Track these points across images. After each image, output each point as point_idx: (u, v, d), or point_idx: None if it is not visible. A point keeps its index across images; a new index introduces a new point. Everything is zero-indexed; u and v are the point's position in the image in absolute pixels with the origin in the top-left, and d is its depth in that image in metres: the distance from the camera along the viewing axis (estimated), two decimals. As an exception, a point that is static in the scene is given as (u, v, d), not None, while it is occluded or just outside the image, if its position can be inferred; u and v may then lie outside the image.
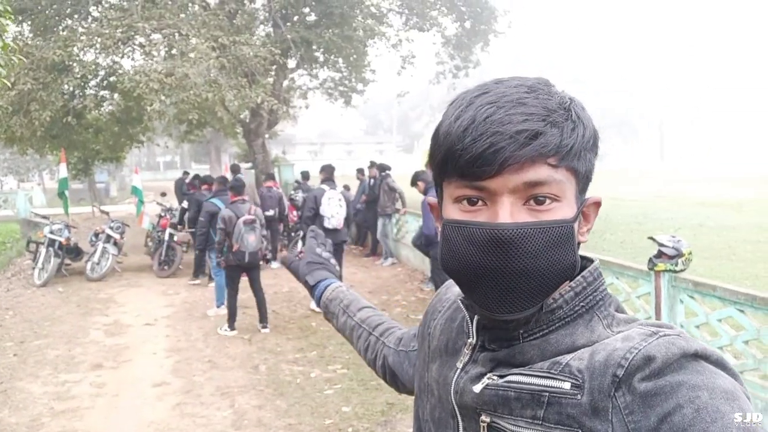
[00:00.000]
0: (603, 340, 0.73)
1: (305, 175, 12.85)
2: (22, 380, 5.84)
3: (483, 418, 0.78)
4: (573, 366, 0.71)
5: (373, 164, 12.43)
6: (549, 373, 0.73)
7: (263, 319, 7.22)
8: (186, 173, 15.79)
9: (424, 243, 8.24)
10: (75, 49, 11.39)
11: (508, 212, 0.72)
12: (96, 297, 9.44)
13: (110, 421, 4.88)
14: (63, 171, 12.45)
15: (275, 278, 10.22)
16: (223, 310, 7.70)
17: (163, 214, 12.07)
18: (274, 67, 13.86)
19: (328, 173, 8.36)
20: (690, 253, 4.53)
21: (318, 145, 64.33)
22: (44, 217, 12.65)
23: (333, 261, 1.44)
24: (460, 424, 0.83)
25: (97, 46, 11.42)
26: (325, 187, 8.07)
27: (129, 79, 11.00)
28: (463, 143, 0.72)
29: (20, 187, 30.84)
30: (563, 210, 0.74)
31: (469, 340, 0.86)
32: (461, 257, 0.75)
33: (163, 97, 11.02)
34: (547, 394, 0.71)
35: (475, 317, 0.85)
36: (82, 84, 12.97)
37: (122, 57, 13.52)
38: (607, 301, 0.81)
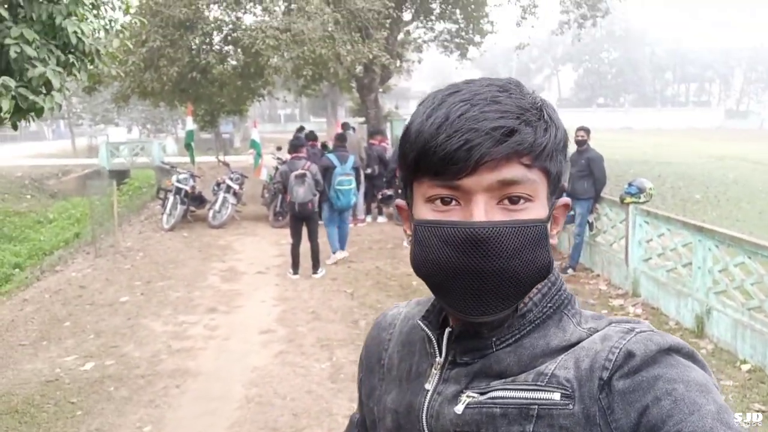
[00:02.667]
0: (581, 343, 0.73)
1: None
2: (146, 318, 6.38)
3: None
4: (560, 376, 0.70)
5: None
6: (536, 385, 0.71)
7: (315, 267, 7.89)
8: (301, 128, 16.21)
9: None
10: (200, 4, 11.90)
11: (483, 211, 0.71)
12: (216, 243, 10.07)
13: (219, 363, 5.22)
14: (189, 123, 13.27)
15: (381, 234, 10.35)
16: (340, 255, 8.57)
17: (278, 167, 12.54)
18: (388, 20, 13.67)
19: None
20: (841, 234, 3.94)
21: (433, 99, 63.46)
22: (172, 166, 13.58)
23: None
24: None
25: (221, 2, 11.86)
26: None
27: (248, 35, 11.34)
28: (436, 141, 0.71)
29: (156, 136, 33.43)
30: (537, 210, 0.73)
31: (437, 360, 0.82)
32: (435, 258, 0.73)
33: (279, 53, 11.27)
34: (536, 407, 0.70)
35: (446, 331, 0.81)
36: (207, 40, 13.56)
37: (244, 13, 13.96)
38: (572, 299, 0.81)
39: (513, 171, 0.70)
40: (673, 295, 6.00)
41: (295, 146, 8.17)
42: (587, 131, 7.58)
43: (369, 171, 10.72)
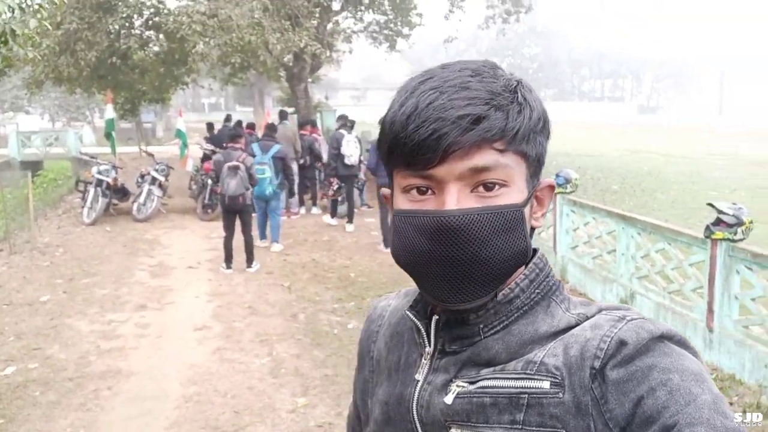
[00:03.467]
0: (571, 331, 0.72)
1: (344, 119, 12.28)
2: (71, 317, 6.05)
3: (453, 431, 0.74)
4: (549, 364, 0.70)
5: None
6: (525, 373, 0.71)
7: (249, 260, 7.71)
8: (229, 117, 15.80)
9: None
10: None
11: (455, 199, 0.71)
12: (142, 237, 9.67)
13: (153, 362, 5.03)
14: (110, 112, 12.60)
15: (316, 226, 10.28)
16: (265, 243, 8.73)
17: (207, 154, 12.16)
18: (317, 9, 13.51)
19: (344, 121, 10.24)
20: (751, 222, 4.27)
21: (361, 90, 63.49)
22: (92, 156, 12.90)
23: None
24: None
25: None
26: (343, 131, 9.76)
27: (173, 20, 10.90)
28: (406, 131, 0.71)
29: (70, 125, 31.64)
30: (512, 195, 0.73)
31: (427, 349, 0.81)
32: (411, 247, 0.74)
33: (206, 40, 10.91)
34: (526, 395, 0.70)
35: (433, 320, 0.80)
36: (127, 24, 12.94)
37: (167, -4, 13.40)
38: (560, 286, 0.81)
39: (485, 158, 0.70)
40: (599, 281, 6.30)
41: (232, 136, 7.89)
42: None
43: (301, 161, 10.59)
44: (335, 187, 10.27)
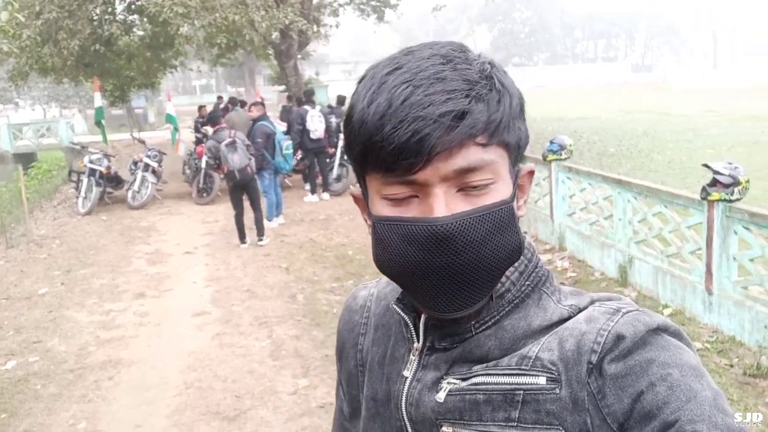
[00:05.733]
0: (564, 324, 0.70)
1: (340, 100, 12.24)
2: (69, 309, 6.05)
3: (444, 429, 0.71)
4: (544, 358, 0.67)
5: None
6: (520, 369, 0.68)
7: (260, 233, 7.94)
8: (220, 98, 15.64)
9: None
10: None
11: (443, 204, 0.65)
12: (138, 225, 9.64)
13: (153, 350, 5.03)
14: (98, 100, 12.47)
15: (311, 205, 10.23)
16: (275, 224, 8.79)
17: (202, 141, 12.05)
18: (302, -17, 13.26)
19: (308, 96, 10.83)
20: (747, 182, 4.22)
21: (352, 64, 62.80)
22: (83, 146, 12.80)
23: None
24: None
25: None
26: (308, 107, 10.27)
27: (154, 3, 10.69)
28: (382, 133, 0.64)
29: (62, 115, 31.36)
30: (500, 190, 0.68)
31: (415, 345, 0.77)
32: (399, 258, 0.67)
33: (190, 21, 10.73)
34: (521, 392, 0.67)
35: (422, 318, 0.76)
36: (109, 10, 12.72)
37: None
38: (549, 276, 0.77)
39: (469, 156, 0.64)
40: (596, 247, 6.27)
41: (213, 118, 8.28)
42: None
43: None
44: (299, 157, 10.37)
